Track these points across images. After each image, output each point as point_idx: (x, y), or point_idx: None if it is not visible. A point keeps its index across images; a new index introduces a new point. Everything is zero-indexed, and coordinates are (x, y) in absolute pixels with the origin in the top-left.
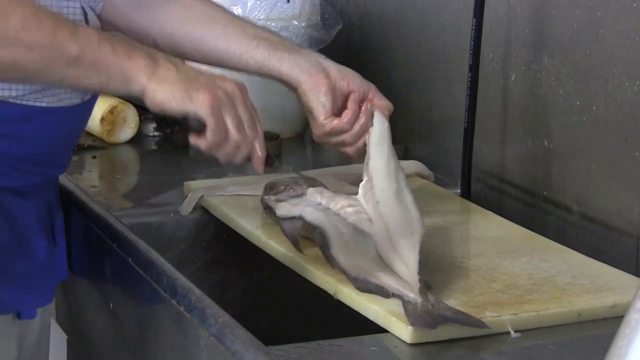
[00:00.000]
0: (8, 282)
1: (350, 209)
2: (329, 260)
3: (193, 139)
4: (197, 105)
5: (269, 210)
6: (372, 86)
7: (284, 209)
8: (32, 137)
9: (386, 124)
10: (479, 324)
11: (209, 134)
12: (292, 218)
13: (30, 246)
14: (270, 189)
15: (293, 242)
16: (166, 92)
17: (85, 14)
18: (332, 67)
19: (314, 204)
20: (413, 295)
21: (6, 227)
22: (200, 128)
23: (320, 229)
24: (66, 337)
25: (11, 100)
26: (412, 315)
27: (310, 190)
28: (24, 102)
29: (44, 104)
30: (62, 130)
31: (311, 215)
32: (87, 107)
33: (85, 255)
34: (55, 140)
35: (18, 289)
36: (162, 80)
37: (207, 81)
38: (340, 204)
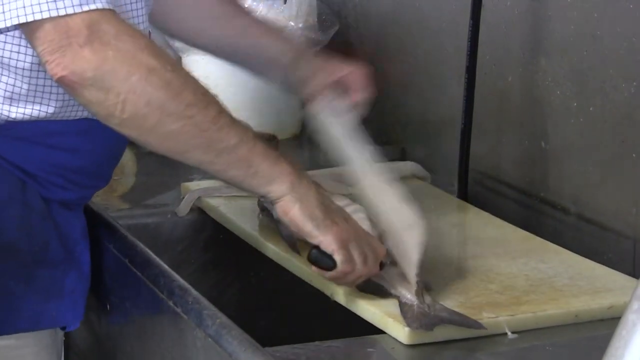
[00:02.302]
0: (59, 297)
1: (349, 209)
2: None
3: (315, 270)
4: (328, 238)
5: (265, 212)
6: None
7: None
8: (89, 150)
9: (345, 123)
10: (476, 325)
11: (339, 267)
12: None
13: (79, 260)
14: None
15: (290, 244)
16: (303, 211)
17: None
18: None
19: None
20: (410, 296)
21: (59, 241)
22: (321, 257)
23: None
24: (63, 337)
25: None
26: (408, 316)
27: None
28: (84, 117)
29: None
30: (115, 143)
31: None
32: None
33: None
34: (108, 152)
35: (67, 304)
36: (302, 196)
37: (339, 212)
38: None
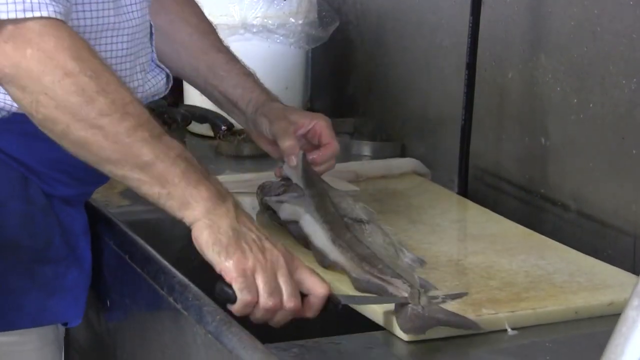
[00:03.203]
0: (61, 293)
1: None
2: (329, 267)
3: (227, 306)
4: (227, 265)
5: (271, 211)
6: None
7: (285, 212)
8: None
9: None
10: (473, 325)
11: (238, 296)
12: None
13: (80, 256)
14: (267, 189)
15: (300, 241)
16: (209, 238)
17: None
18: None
19: (312, 207)
20: (404, 297)
21: (61, 237)
22: (221, 288)
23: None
24: (63, 334)
25: None
26: (401, 318)
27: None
28: None
29: None
30: None
31: (309, 227)
32: None
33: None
34: None
35: (68, 300)
36: (213, 223)
37: (253, 242)
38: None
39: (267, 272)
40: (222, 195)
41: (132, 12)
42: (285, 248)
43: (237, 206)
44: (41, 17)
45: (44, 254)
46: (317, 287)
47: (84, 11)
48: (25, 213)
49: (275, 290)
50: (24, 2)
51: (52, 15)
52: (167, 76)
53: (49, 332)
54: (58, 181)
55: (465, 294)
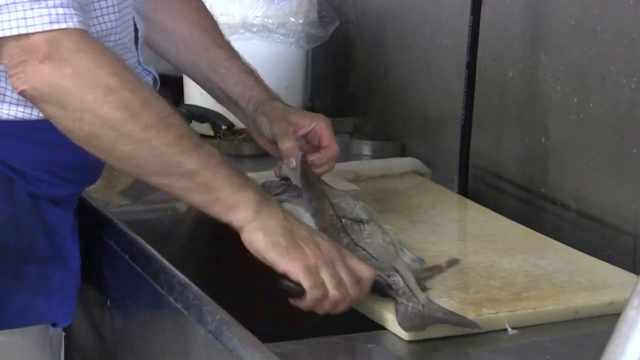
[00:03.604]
0: (46, 293)
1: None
2: None
3: (291, 300)
4: (294, 265)
5: None
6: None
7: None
8: (78, 147)
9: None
10: (472, 325)
11: (308, 294)
12: None
13: (67, 256)
14: (267, 189)
15: None
16: (266, 240)
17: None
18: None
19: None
20: (404, 295)
21: (47, 238)
22: (293, 287)
23: None
24: (63, 333)
25: None
26: (401, 316)
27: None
28: None
29: None
30: None
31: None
32: None
33: (82, 252)
34: None
35: (56, 300)
36: (266, 224)
37: (307, 238)
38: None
39: (328, 266)
40: (266, 197)
41: (110, 21)
42: (330, 239)
43: (280, 207)
44: (67, 29)
45: (28, 254)
46: (366, 272)
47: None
48: (8, 213)
49: (340, 282)
50: (50, 15)
51: (78, 26)
52: (154, 79)
53: (36, 332)
54: (43, 181)
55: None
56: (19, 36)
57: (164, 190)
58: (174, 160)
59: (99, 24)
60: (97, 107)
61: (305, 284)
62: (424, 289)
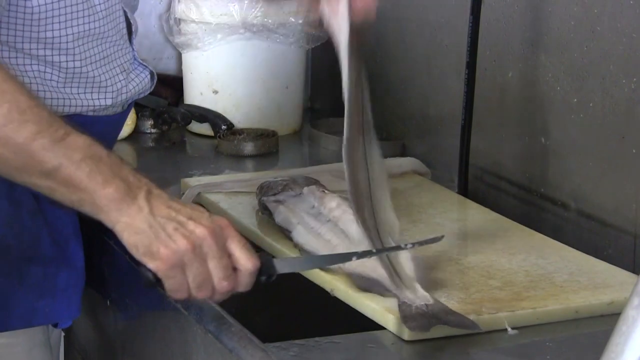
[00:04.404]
0: (51, 294)
1: (337, 212)
2: (324, 271)
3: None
4: (156, 264)
5: (268, 212)
6: None
7: (280, 216)
8: None
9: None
10: (471, 325)
11: (168, 291)
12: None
13: (72, 256)
14: (266, 189)
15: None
16: (130, 240)
17: (125, 13)
18: None
19: (308, 209)
20: (409, 295)
21: (50, 238)
22: (155, 282)
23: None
24: (63, 333)
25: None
26: (406, 316)
27: (305, 190)
28: (71, 112)
29: (90, 114)
30: (105, 138)
31: (301, 237)
32: (125, 115)
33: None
34: None
35: (60, 300)
36: (129, 223)
37: (176, 230)
38: (328, 206)
39: (195, 262)
40: (132, 190)
41: (96, 21)
42: (213, 218)
43: (151, 195)
44: None
45: (32, 254)
46: (244, 262)
47: (52, 23)
48: (11, 214)
49: (204, 281)
50: None
51: None
52: (151, 73)
53: (39, 333)
54: None
55: (440, 237)
56: None
57: (37, 190)
58: (31, 158)
59: (83, 24)
60: None
61: (166, 285)
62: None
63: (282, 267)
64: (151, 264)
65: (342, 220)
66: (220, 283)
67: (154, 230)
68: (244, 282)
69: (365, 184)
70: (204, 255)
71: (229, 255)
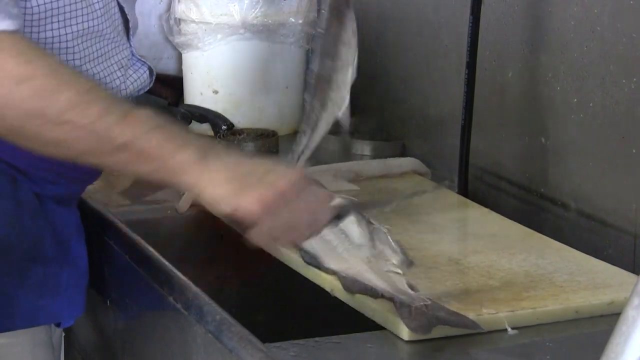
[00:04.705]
0: (55, 293)
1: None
2: (322, 271)
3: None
4: (246, 211)
5: None
6: None
7: None
8: None
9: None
10: (473, 325)
11: (254, 239)
12: None
13: (74, 256)
14: None
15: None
16: (215, 195)
17: (122, 9)
18: None
19: None
20: (405, 296)
21: (52, 237)
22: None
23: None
24: (63, 333)
25: None
26: (406, 317)
27: None
28: None
29: None
30: None
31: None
32: None
33: None
34: None
35: (63, 300)
36: (211, 180)
37: (259, 180)
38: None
39: (281, 208)
40: (206, 151)
41: (94, 19)
42: (289, 169)
43: (224, 154)
44: None
45: (34, 254)
46: (324, 205)
47: (51, 23)
48: (13, 213)
49: (290, 226)
50: None
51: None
52: (150, 69)
53: (41, 333)
54: (47, 181)
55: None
56: None
57: (106, 168)
58: (103, 136)
59: (82, 22)
60: (10, 100)
61: (255, 233)
62: (413, 289)
63: (350, 210)
64: (241, 212)
65: (342, 222)
66: (305, 226)
67: (237, 184)
68: (323, 225)
69: (328, 68)
70: (288, 201)
71: (310, 200)
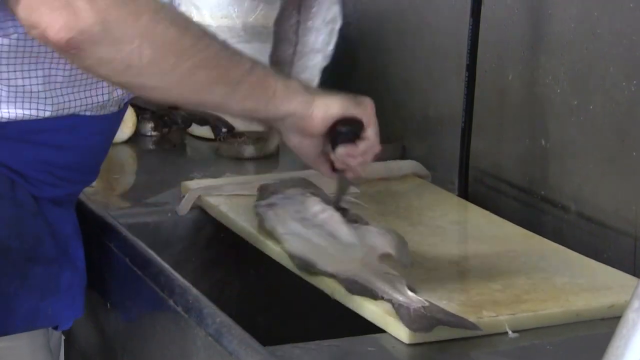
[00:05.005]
0: (54, 295)
1: (323, 215)
2: (320, 274)
3: (343, 150)
4: (366, 111)
5: (260, 217)
6: None
7: (269, 222)
8: (77, 146)
9: None
10: (472, 326)
11: (374, 138)
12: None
13: (72, 257)
14: (261, 192)
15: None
16: (339, 103)
17: None
18: None
19: (293, 214)
20: (403, 298)
21: (51, 238)
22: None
23: (298, 258)
24: (63, 336)
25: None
26: (406, 318)
27: (289, 192)
28: (70, 113)
29: (88, 113)
30: (102, 138)
31: (291, 246)
32: (122, 114)
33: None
34: (96, 147)
35: (62, 301)
36: (324, 98)
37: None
38: (312, 211)
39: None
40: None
41: None
42: None
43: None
44: None
45: (34, 255)
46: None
47: None
48: (12, 215)
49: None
50: None
51: None
52: None
53: (40, 336)
54: (45, 182)
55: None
56: None
57: (225, 102)
58: (231, 64)
59: None
60: (152, 28)
61: (375, 127)
62: (412, 290)
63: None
64: (362, 112)
65: (329, 223)
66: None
67: (346, 99)
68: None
69: (288, 54)
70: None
71: None
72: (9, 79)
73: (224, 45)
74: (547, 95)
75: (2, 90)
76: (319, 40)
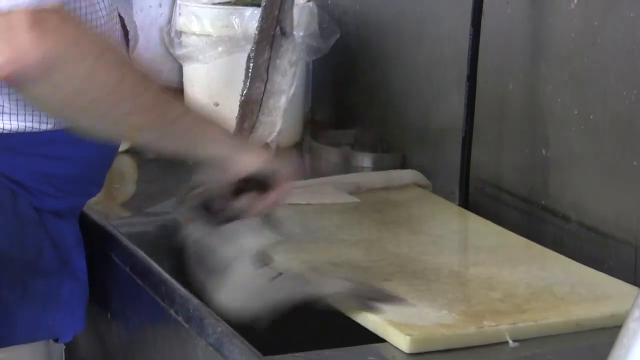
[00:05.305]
0: (55, 307)
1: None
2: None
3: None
4: (284, 169)
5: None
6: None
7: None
8: (79, 158)
9: None
10: (400, 300)
11: (283, 192)
12: None
13: (73, 269)
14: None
15: None
16: (256, 160)
17: (122, 19)
18: None
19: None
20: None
21: (52, 250)
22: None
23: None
24: (64, 346)
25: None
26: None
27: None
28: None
29: None
30: (105, 150)
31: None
32: None
33: None
34: (99, 159)
35: (65, 312)
36: (248, 148)
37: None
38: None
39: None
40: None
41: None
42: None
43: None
44: (51, 3)
45: (35, 267)
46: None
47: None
48: (14, 226)
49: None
50: None
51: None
52: None
53: (41, 346)
54: (47, 194)
55: None
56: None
57: (156, 146)
58: (166, 108)
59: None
60: (94, 72)
61: (288, 184)
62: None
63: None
64: (277, 172)
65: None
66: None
67: (266, 155)
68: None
69: (259, 92)
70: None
71: None
72: (9, 92)
73: (161, 89)
74: (548, 105)
75: (4, 102)
76: (284, 82)
